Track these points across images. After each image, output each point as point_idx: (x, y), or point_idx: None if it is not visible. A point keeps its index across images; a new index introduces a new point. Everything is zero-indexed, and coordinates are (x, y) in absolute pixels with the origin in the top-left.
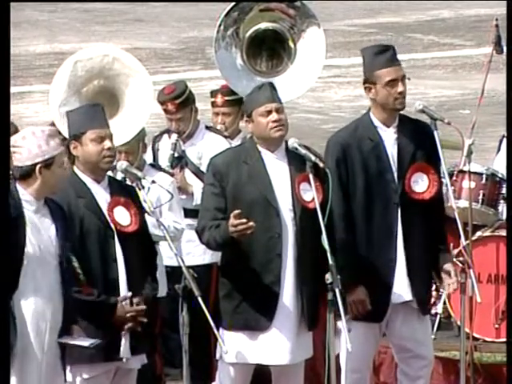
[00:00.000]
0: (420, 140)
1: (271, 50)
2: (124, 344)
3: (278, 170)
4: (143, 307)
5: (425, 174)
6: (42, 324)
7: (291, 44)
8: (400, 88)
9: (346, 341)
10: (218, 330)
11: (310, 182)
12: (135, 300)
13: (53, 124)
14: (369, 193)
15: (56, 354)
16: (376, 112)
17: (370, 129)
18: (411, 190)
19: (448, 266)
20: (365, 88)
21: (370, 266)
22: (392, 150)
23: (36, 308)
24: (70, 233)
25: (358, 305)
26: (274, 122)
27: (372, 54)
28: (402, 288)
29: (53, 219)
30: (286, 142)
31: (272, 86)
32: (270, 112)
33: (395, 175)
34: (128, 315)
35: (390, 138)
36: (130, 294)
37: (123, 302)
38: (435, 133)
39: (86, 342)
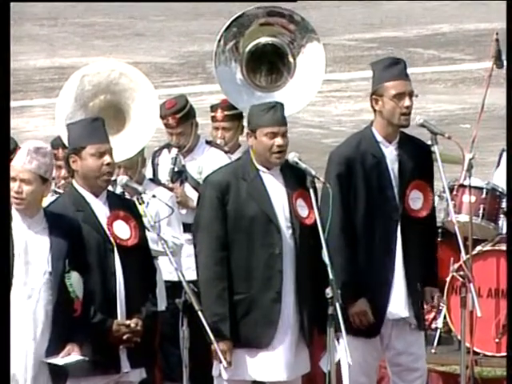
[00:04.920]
0: (419, 158)
1: (270, 64)
2: (122, 357)
3: (275, 186)
4: (139, 329)
5: (421, 191)
6: (26, 343)
7: (291, 59)
8: (407, 102)
9: (347, 355)
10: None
11: (310, 197)
12: (132, 321)
13: (59, 138)
14: (370, 209)
15: (44, 373)
16: (379, 126)
17: (372, 144)
18: (409, 207)
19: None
20: (371, 100)
21: (369, 280)
22: (393, 167)
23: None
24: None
25: (361, 316)
26: (278, 146)
27: (383, 66)
28: (399, 304)
29: (49, 232)
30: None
31: (282, 107)
32: (276, 135)
33: (395, 192)
34: (124, 337)
35: (391, 154)
36: (128, 322)
37: (120, 326)
38: (435, 147)
39: (66, 361)
